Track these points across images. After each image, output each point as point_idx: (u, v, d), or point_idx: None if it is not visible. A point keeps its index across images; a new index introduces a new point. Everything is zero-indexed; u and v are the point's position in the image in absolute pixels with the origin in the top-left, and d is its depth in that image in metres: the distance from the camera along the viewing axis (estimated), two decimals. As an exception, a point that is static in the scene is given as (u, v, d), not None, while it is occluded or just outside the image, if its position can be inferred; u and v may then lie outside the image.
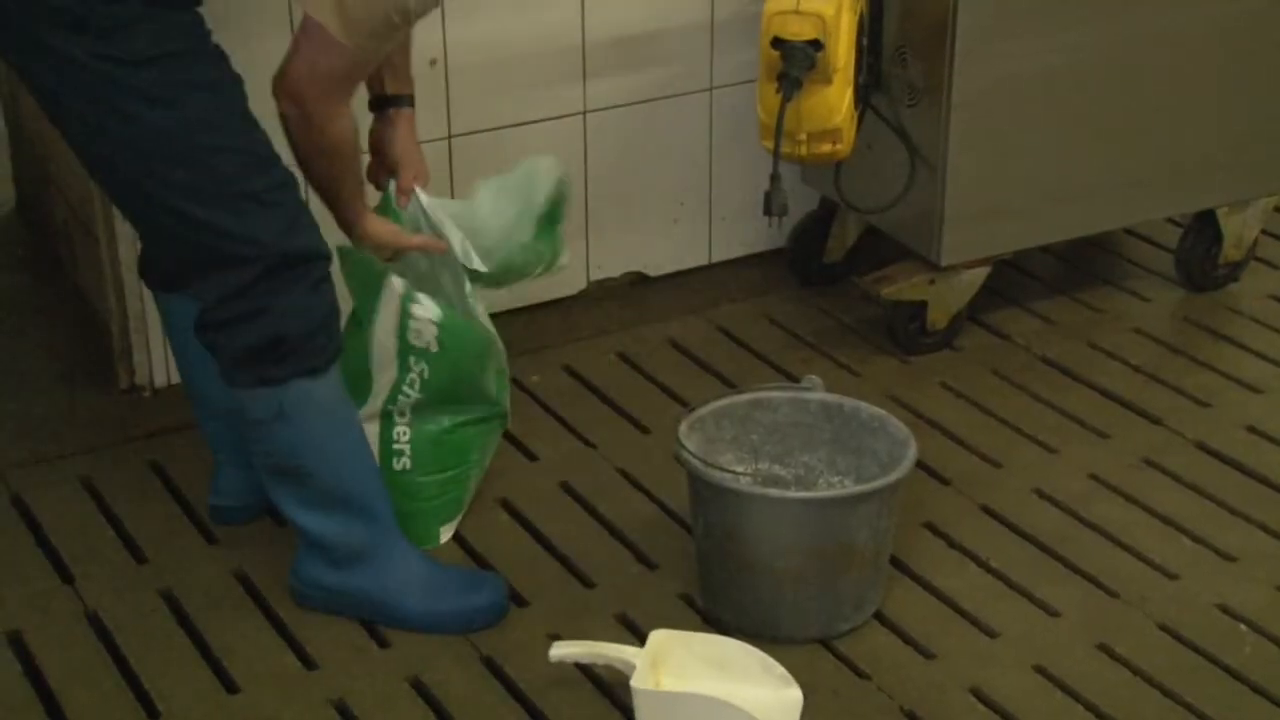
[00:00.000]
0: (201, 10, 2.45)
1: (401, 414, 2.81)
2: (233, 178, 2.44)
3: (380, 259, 2.75)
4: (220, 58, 2.47)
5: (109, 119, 2.38)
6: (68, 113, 2.44)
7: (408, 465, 2.83)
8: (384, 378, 2.78)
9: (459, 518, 2.93)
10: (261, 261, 2.45)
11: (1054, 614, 2.77)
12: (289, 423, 2.55)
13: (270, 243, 2.46)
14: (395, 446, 2.82)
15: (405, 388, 2.77)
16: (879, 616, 2.75)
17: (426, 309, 2.71)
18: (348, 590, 2.70)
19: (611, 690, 2.58)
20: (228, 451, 2.90)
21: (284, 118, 2.54)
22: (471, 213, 2.84)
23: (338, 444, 2.63)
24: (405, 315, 2.71)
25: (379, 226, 2.72)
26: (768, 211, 3.14)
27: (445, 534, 2.91)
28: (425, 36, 3.06)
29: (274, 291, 2.47)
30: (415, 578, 2.71)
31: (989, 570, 2.87)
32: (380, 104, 2.77)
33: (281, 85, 2.51)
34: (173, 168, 2.41)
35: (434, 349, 2.73)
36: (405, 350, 2.74)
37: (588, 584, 2.82)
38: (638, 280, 3.72)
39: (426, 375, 2.76)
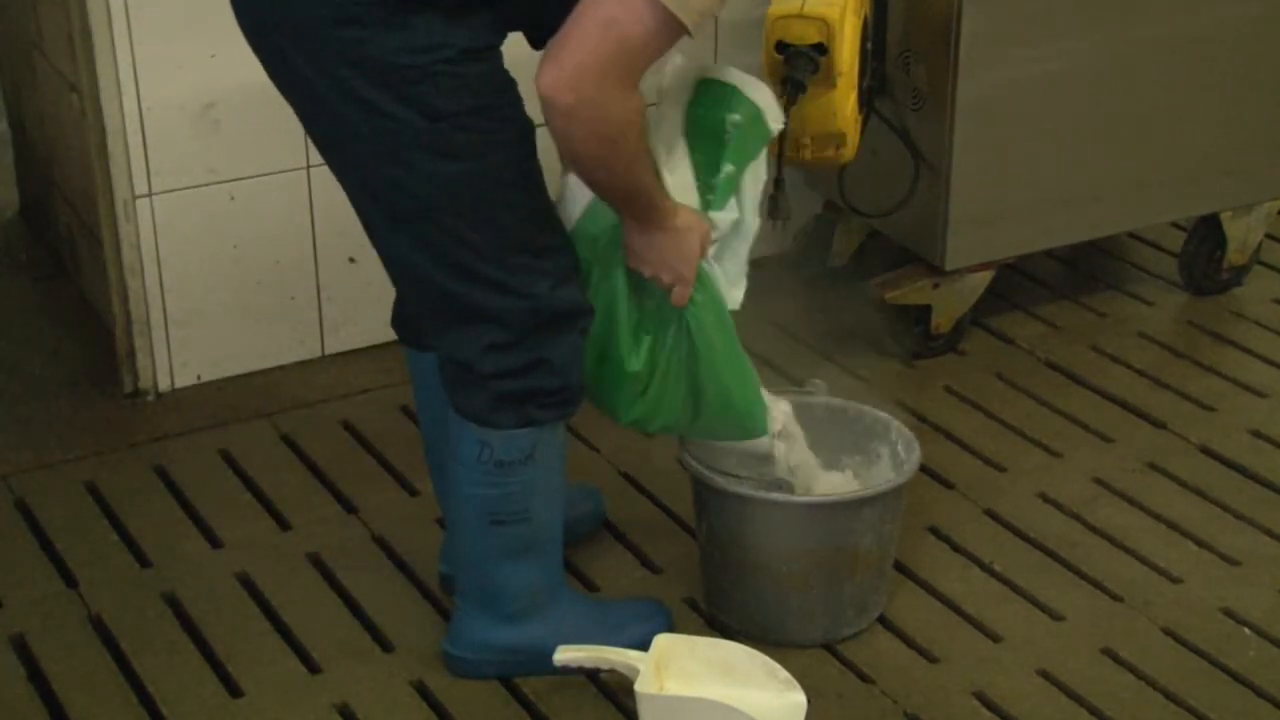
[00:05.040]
0: (500, 54, 2.30)
1: None
2: (516, 233, 2.33)
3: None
4: (514, 105, 2.30)
5: (397, 170, 2.27)
6: (353, 163, 2.33)
7: None
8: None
9: None
10: (534, 316, 2.35)
11: (1058, 618, 2.77)
12: (534, 465, 2.46)
13: (543, 296, 2.35)
14: None
15: None
16: (883, 620, 2.75)
17: None
18: (523, 646, 2.58)
19: (616, 695, 2.58)
20: None
21: (557, 113, 2.18)
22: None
23: (558, 482, 2.55)
24: None
25: (693, 215, 2.43)
26: (772, 216, 3.13)
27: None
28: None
29: (546, 343, 2.38)
30: (587, 618, 2.62)
31: (993, 574, 2.87)
32: None
33: (558, 76, 2.15)
34: (456, 221, 2.30)
35: None
36: None
37: (592, 588, 2.82)
38: (641, 284, 3.72)
39: None
